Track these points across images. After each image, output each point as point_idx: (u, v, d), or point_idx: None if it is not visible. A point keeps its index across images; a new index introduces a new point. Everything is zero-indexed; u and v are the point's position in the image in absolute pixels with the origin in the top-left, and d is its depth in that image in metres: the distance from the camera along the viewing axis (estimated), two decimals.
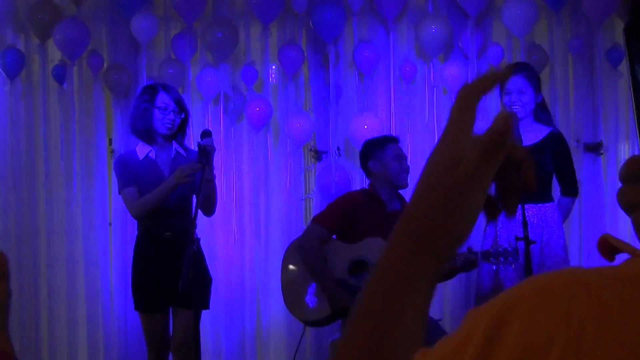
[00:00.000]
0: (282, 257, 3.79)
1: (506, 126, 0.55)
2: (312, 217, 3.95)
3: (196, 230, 3.16)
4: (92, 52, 4.51)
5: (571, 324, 0.37)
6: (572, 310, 0.38)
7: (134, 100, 3.83)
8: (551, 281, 0.42)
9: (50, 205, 4.65)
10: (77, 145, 4.60)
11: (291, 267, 3.68)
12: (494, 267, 3.46)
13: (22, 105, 4.62)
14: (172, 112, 3.62)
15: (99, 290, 4.57)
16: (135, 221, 3.64)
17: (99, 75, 4.53)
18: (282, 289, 3.71)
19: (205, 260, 3.70)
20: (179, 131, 3.61)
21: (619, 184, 0.60)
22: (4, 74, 4.50)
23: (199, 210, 3.27)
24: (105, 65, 4.54)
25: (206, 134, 3.45)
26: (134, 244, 3.72)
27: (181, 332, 3.57)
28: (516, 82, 3.49)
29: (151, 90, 3.68)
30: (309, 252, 3.65)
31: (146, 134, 3.62)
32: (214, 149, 3.42)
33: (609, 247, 0.46)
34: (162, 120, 3.59)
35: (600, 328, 0.37)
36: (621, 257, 0.52)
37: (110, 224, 4.62)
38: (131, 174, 3.63)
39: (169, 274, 3.40)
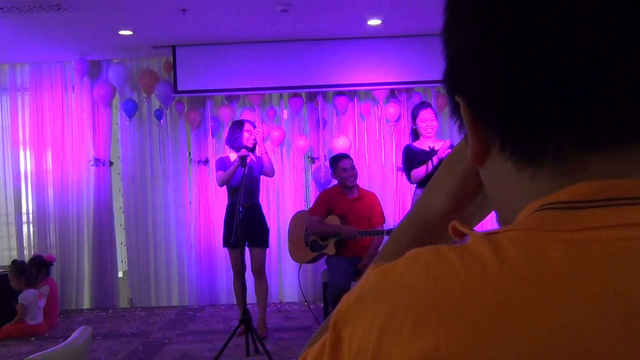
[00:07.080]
0: (289, 224, 5.53)
1: None
2: (309, 209, 5.35)
3: (242, 204, 4.71)
4: (178, 102, 6.77)
5: (429, 278, 0.45)
6: (429, 268, 0.46)
7: (230, 130, 5.26)
8: (416, 251, 0.48)
9: (154, 192, 6.92)
10: (169, 156, 6.84)
11: (292, 228, 5.50)
12: None
13: (136, 134, 6.90)
14: (253, 134, 5.12)
15: (183, 240, 6.90)
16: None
17: (182, 115, 6.80)
18: (288, 243, 5.52)
19: (265, 219, 5.27)
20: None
21: None
22: (125, 115, 6.82)
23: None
24: (185, 109, 6.79)
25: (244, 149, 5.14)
26: (224, 210, 5.27)
27: (255, 261, 5.11)
28: (429, 113, 4.89)
29: (240, 123, 5.20)
30: (316, 230, 5.16)
31: (238, 147, 5.12)
32: (248, 156, 5.03)
33: (458, 231, 0.54)
34: (248, 139, 5.12)
35: (448, 281, 0.44)
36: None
37: (190, 203, 6.88)
38: (223, 167, 5.15)
39: (242, 226, 4.68)
